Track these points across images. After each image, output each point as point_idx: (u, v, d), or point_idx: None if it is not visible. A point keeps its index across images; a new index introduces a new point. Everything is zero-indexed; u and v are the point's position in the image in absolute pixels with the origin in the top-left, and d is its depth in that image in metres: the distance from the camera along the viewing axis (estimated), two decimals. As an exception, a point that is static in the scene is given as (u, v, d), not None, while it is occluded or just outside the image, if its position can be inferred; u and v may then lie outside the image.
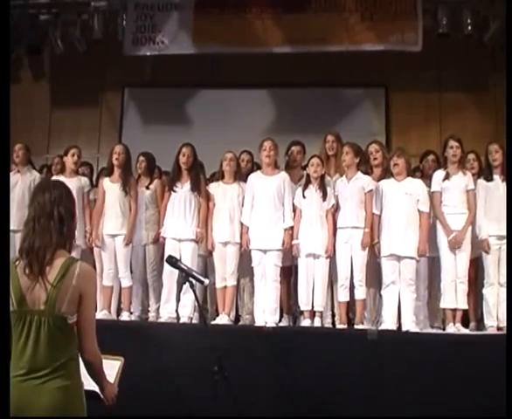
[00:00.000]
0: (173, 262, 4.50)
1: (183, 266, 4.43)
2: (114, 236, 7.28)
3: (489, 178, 6.87)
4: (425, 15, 8.89)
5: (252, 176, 7.18)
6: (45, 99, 10.73)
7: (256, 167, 7.73)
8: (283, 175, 7.08)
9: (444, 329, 6.90)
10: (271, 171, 7.07)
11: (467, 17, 8.95)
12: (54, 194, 3.17)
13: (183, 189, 7.19)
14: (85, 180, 7.65)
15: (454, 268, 6.72)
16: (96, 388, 3.38)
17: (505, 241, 6.71)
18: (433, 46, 8.95)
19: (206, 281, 4.61)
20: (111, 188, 7.35)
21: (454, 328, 6.68)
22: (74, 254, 3.35)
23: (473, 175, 7.03)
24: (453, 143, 6.95)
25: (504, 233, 6.70)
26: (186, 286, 4.42)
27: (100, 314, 7.00)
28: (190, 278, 4.34)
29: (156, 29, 9.35)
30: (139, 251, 7.51)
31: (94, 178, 8.46)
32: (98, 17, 9.45)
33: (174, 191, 7.22)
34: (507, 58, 6.60)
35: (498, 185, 6.83)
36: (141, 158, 7.83)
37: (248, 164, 7.74)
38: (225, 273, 7.10)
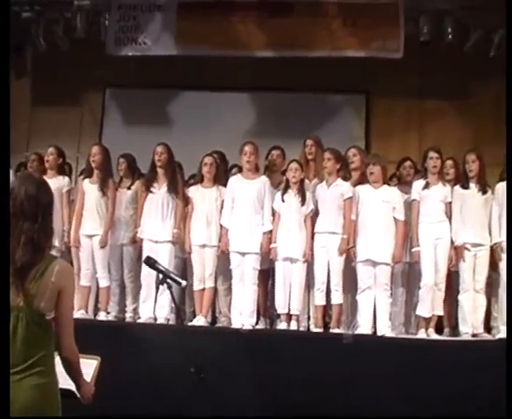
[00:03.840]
0: (151, 263, 4.52)
1: (160, 267, 4.45)
2: (91, 236, 7.28)
3: (466, 186, 6.95)
4: (406, 22, 8.91)
5: (232, 179, 7.21)
6: (27, 98, 10.67)
7: (232, 169, 7.75)
8: (263, 179, 7.12)
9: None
10: (251, 175, 7.11)
11: (448, 26, 8.99)
12: (31, 189, 3.16)
13: (161, 191, 7.21)
14: (64, 179, 7.63)
15: (434, 275, 6.80)
16: (72, 387, 3.39)
17: (480, 248, 6.82)
18: (415, 54, 8.99)
19: (184, 282, 4.62)
20: (90, 189, 7.36)
21: (425, 334, 6.75)
22: (52, 253, 3.34)
23: (449, 181, 7.11)
24: (433, 154, 7.04)
25: (479, 241, 6.82)
26: (163, 287, 4.43)
27: (78, 314, 6.99)
28: (168, 280, 4.36)
29: (139, 29, 9.31)
30: (117, 252, 7.51)
31: (74, 178, 8.43)
32: (81, 16, 9.38)
33: (151, 192, 7.23)
34: (507, 59, 6.64)
35: (474, 194, 6.92)
36: (121, 160, 7.83)
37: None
38: (203, 275, 7.12)
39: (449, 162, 7.31)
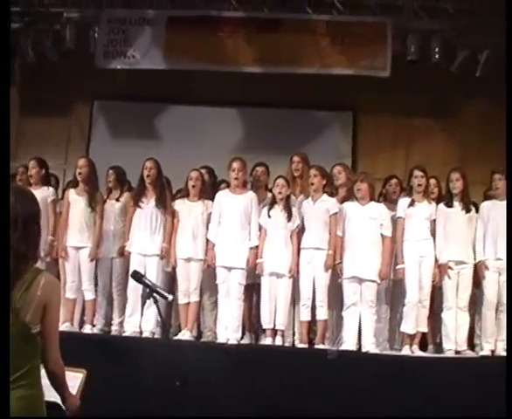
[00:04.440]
0: (138, 277, 4.53)
1: (147, 281, 4.46)
2: (78, 248, 7.28)
3: (449, 204, 7.01)
4: (394, 41, 9.02)
5: (219, 194, 7.24)
6: (14, 108, 10.65)
7: (221, 184, 7.79)
8: (251, 194, 7.15)
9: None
10: (239, 190, 7.13)
11: (435, 46, 9.10)
12: (18, 201, 3.17)
13: (149, 205, 7.22)
14: (50, 190, 7.61)
15: (418, 292, 6.84)
16: (58, 400, 3.39)
17: (463, 266, 6.88)
18: (402, 72, 9.07)
19: (170, 297, 4.63)
20: (76, 200, 7.36)
21: (409, 351, 6.80)
22: (38, 265, 3.34)
23: (433, 199, 7.17)
24: (417, 173, 7.10)
25: (463, 258, 6.88)
26: (150, 301, 4.44)
27: (63, 326, 6.97)
28: (154, 294, 4.37)
29: (128, 43, 9.36)
30: (105, 264, 7.50)
31: (60, 190, 8.43)
32: (70, 28, 9.42)
33: (139, 207, 7.24)
34: (507, 61, 6.70)
35: (458, 212, 6.98)
36: (110, 171, 7.83)
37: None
38: (188, 289, 7.12)
39: (433, 181, 7.35)
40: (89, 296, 7.32)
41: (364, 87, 9.46)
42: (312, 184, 7.04)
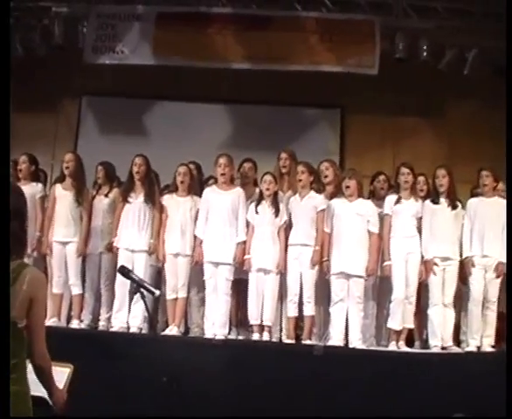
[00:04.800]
0: (125, 272, 4.53)
1: (134, 277, 4.46)
2: (64, 243, 7.28)
3: (436, 201, 7.05)
4: (382, 40, 9.04)
5: (207, 190, 7.25)
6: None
7: (209, 180, 7.80)
8: (238, 190, 7.16)
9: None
10: (226, 186, 7.15)
11: (423, 44, 9.13)
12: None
13: (138, 200, 7.23)
14: (38, 186, 7.61)
15: (405, 288, 6.88)
16: (44, 395, 3.39)
17: (449, 262, 6.92)
18: (390, 70, 9.09)
19: (157, 292, 4.64)
20: (63, 195, 7.35)
21: (396, 346, 6.83)
22: (26, 260, 3.34)
23: (421, 197, 7.21)
24: (404, 170, 7.13)
25: (448, 255, 6.92)
26: (137, 297, 4.45)
27: (50, 322, 6.98)
28: (141, 289, 4.38)
29: (117, 38, 9.33)
30: (94, 260, 7.49)
31: (49, 186, 8.41)
32: (59, 23, 9.38)
33: (128, 202, 7.24)
34: (506, 57, 6.73)
35: (444, 209, 7.02)
36: (100, 167, 7.81)
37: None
38: (176, 285, 7.13)
39: (421, 178, 7.39)
40: (76, 291, 7.32)
41: (353, 85, 9.49)
42: (299, 181, 7.07)
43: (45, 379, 3.29)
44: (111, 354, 6.35)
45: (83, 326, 7.36)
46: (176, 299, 7.13)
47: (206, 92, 9.96)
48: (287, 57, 9.07)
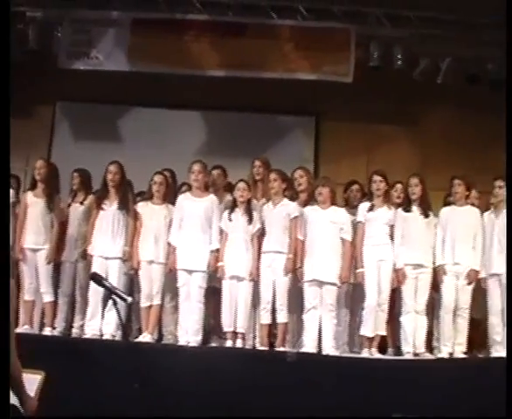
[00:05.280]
0: (97, 279, 4.54)
1: (106, 284, 4.46)
2: (35, 250, 7.24)
3: (408, 209, 7.11)
4: (357, 48, 9.10)
5: (181, 197, 7.25)
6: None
7: (182, 187, 7.79)
8: (212, 197, 7.17)
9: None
10: (200, 193, 7.15)
11: (397, 53, 9.20)
12: None
13: (112, 208, 7.21)
14: (10, 193, 7.55)
15: (377, 296, 6.92)
16: (15, 402, 3.38)
17: (422, 270, 6.98)
18: (365, 78, 9.14)
19: (129, 299, 4.64)
20: (34, 202, 7.31)
21: (369, 353, 6.87)
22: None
23: (398, 204, 7.25)
24: (376, 178, 7.18)
25: (421, 262, 6.97)
26: (110, 304, 4.45)
27: (22, 329, 6.94)
28: (114, 296, 4.38)
29: (92, 44, 9.29)
30: (68, 267, 7.46)
31: (22, 191, 8.36)
32: (33, 28, 9.33)
33: (102, 209, 7.23)
34: (507, 61, 6.78)
35: (416, 217, 7.08)
36: (75, 174, 7.79)
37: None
38: (151, 292, 7.12)
39: (399, 186, 7.43)
40: (48, 298, 7.26)
41: (328, 93, 9.53)
42: (272, 188, 7.10)
43: (16, 387, 3.28)
44: (84, 361, 6.33)
45: (56, 333, 7.31)
46: (150, 307, 7.12)
47: (181, 98, 9.94)
48: (263, 64, 9.10)
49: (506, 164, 6.16)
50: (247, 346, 7.02)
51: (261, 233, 7.06)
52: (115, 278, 6.84)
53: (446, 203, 7.43)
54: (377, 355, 6.89)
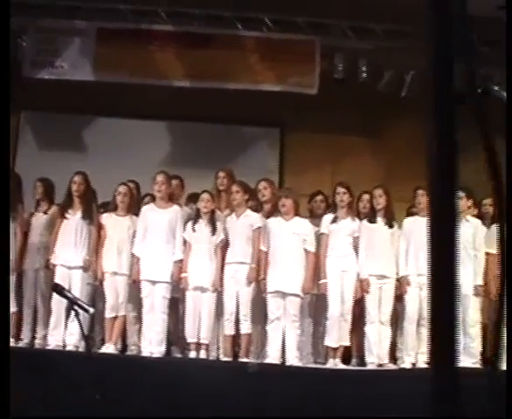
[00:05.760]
0: (58, 289, 4.52)
1: (68, 294, 4.44)
2: (-4, 261, 7.16)
3: (372, 220, 7.17)
4: (322, 60, 9.16)
5: (145, 208, 7.26)
6: None
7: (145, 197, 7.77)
8: (176, 208, 7.18)
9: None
10: (164, 204, 7.15)
11: (362, 65, 9.28)
12: None
13: (75, 217, 7.20)
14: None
15: (341, 306, 6.96)
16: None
17: (385, 281, 7.03)
18: (330, 90, 9.20)
19: (91, 310, 4.63)
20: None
21: (333, 364, 6.90)
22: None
23: (364, 215, 7.31)
24: (340, 189, 7.25)
25: (384, 273, 7.03)
26: (73, 314, 4.42)
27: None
28: (75, 307, 4.35)
29: (57, 53, 9.21)
30: (31, 276, 7.39)
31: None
32: (-3, 37, 9.26)
33: (65, 218, 7.19)
34: (507, 65, 6.84)
35: (381, 228, 7.14)
36: (38, 183, 7.73)
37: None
38: (116, 303, 7.10)
39: (366, 197, 7.50)
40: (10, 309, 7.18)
41: (292, 104, 9.55)
42: (234, 200, 7.13)
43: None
44: (46, 372, 6.26)
45: (21, 344, 7.22)
46: (115, 318, 7.09)
47: (146, 109, 9.89)
48: (228, 75, 9.10)
49: (506, 164, 6.24)
50: (211, 357, 7.03)
51: (225, 244, 7.09)
52: (78, 289, 6.82)
53: (410, 214, 7.50)
54: (341, 366, 6.93)
